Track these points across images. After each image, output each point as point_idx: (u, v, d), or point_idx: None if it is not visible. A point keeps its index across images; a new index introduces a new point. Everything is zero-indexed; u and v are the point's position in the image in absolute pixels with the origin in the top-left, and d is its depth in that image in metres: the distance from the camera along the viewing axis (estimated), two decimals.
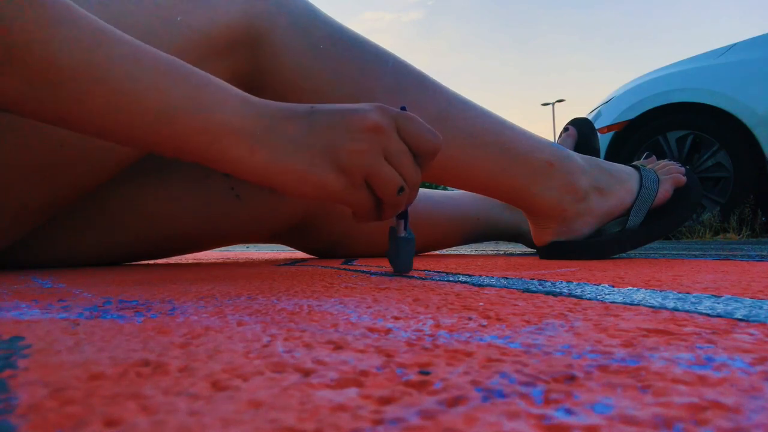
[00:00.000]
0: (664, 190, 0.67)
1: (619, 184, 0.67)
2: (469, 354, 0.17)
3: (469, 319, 0.23)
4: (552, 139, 0.73)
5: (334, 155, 0.39)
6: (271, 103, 0.41)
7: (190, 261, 0.97)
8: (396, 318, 0.24)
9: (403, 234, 0.46)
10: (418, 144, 0.41)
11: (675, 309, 0.24)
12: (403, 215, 0.46)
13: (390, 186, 0.40)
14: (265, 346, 0.18)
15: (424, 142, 0.41)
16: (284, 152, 0.39)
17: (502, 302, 0.28)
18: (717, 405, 0.12)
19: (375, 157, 0.39)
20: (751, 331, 0.19)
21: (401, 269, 0.48)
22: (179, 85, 0.37)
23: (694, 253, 0.84)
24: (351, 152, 0.39)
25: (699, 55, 2.26)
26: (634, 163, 0.72)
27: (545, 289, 0.33)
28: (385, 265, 0.63)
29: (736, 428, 0.10)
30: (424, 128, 0.42)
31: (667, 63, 2.39)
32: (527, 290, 0.33)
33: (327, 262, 0.78)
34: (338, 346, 0.18)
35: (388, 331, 0.21)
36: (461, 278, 0.42)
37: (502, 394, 0.13)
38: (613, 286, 0.34)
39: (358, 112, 0.40)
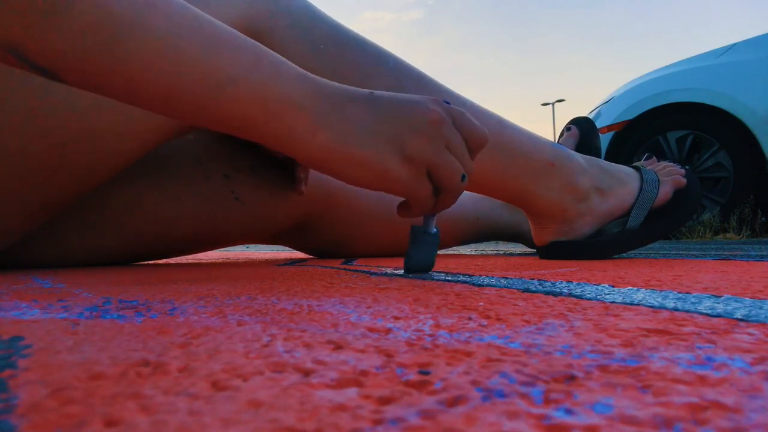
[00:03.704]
0: (665, 192, 0.67)
1: (620, 184, 0.67)
2: (469, 354, 0.17)
3: (469, 319, 0.23)
4: (552, 139, 0.73)
5: (400, 145, 0.38)
6: (330, 82, 0.40)
7: (190, 261, 0.97)
8: (396, 318, 0.24)
9: (434, 230, 0.45)
10: (470, 136, 0.42)
11: (675, 309, 0.24)
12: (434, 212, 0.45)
13: (454, 175, 0.40)
14: (265, 346, 0.18)
15: (475, 135, 0.42)
16: (350, 136, 0.37)
17: (502, 302, 0.28)
18: (717, 405, 0.12)
19: (439, 147, 0.39)
20: (751, 331, 0.19)
21: (428, 268, 0.47)
22: (239, 53, 0.36)
23: (694, 253, 0.84)
24: (418, 143, 0.39)
25: (699, 55, 2.26)
26: (635, 164, 0.72)
27: (545, 289, 0.33)
28: (384, 265, 0.63)
29: (736, 428, 0.10)
30: (474, 122, 0.42)
31: (667, 63, 2.39)
32: (527, 290, 0.33)
33: (327, 262, 0.78)
34: (338, 346, 0.18)
35: (388, 331, 0.21)
36: (461, 278, 0.42)
37: (502, 394, 0.13)
38: (613, 286, 0.34)
39: (420, 105, 0.40)
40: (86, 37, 0.31)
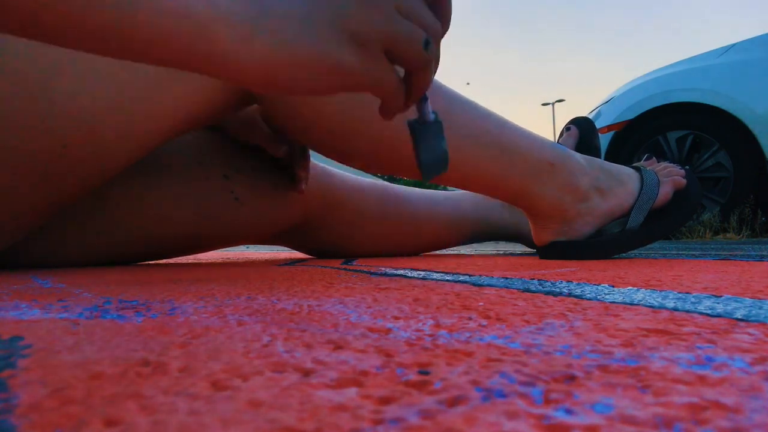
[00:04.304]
0: (665, 192, 0.67)
1: (620, 184, 0.67)
2: (469, 354, 0.17)
3: (469, 319, 0.23)
4: (552, 139, 0.73)
5: (343, 26, 0.33)
6: None
7: (190, 261, 0.97)
8: (396, 318, 0.24)
9: (431, 117, 0.39)
10: None
11: (675, 309, 0.24)
12: (424, 97, 0.39)
13: (414, 42, 0.34)
14: (265, 346, 0.18)
15: None
16: (289, 35, 0.33)
17: (502, 302, 0.28)
18: (717, 405, 0.12)
19: (389, 15, 0.34)
20: (751, 331, 0.19)
21: (441, 162, 0.40)
22: None
23: (694, 253, 0.84)
24: (363, 16, 0.34)
25: (699, 55, 2.26)
26: (635, 164, 0.72)
27: (545, 289, 0.33)
28: (384, 265, 0.63)
29: (736, 428, 0.10)
30: None
31: (667, 63, 2.39)
32: (527, 290, 0.33)
33: (327, 262, 0.78)
34: (338, 346, 0.18)
35: (388, 331, 0.21)
36: (461, 278, 0.42)
37: (502, 394, 0.13)
38: (613, 286, 0.34)
39: None
40: None
